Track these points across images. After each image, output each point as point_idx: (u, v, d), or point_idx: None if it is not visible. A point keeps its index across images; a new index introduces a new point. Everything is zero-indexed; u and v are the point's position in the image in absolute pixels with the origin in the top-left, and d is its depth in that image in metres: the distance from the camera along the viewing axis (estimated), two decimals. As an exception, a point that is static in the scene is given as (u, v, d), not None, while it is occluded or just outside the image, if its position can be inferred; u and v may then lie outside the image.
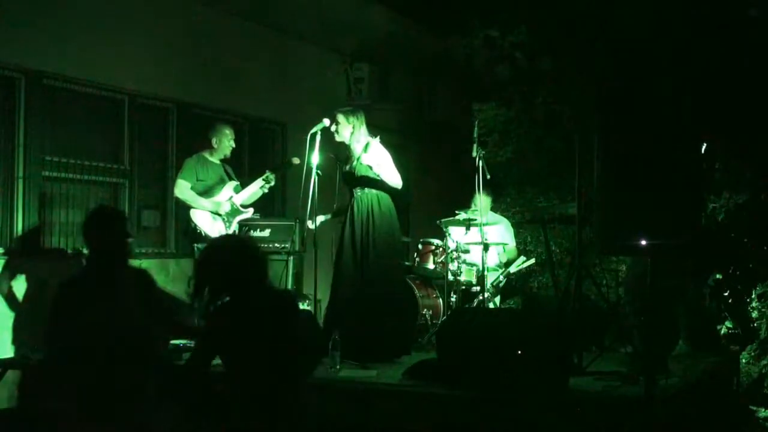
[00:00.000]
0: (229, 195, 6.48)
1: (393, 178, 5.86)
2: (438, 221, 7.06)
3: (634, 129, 4.51)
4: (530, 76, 8.62)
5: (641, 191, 4.44)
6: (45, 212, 6.32)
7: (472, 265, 6.93)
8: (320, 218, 6.14)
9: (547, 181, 8.87)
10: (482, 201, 6.71)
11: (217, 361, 3.48)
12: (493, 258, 7.22)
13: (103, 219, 3.97)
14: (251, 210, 6.60)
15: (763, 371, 7.25)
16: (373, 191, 5.88)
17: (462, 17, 8.60)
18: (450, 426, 4.47)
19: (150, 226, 7.25)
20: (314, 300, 6.68)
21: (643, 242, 4.47)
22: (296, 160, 6.50)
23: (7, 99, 6.14)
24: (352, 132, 5.89)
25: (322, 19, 8.20)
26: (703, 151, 5.50)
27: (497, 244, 7.18)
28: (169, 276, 7.05)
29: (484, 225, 6.72)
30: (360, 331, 5.57)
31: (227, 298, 3.51)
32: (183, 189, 6.38)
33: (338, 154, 6.11)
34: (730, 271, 7.48)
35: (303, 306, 6.43)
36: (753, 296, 7.57)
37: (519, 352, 4.48)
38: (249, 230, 6.42)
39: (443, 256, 6.89)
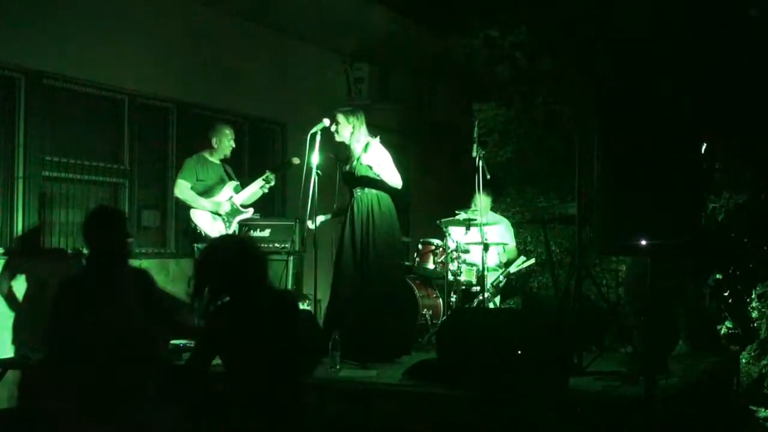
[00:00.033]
0: (229, 195, 6.48)
1: (393, 178, 5.86)
2: (438, 221, 7.06)
3: (634, 129, 4.51)
4: (530, 76, 8.62)
5: (641, 191, 4.44)
6: (45, 212, 6.32)
7: (472, 265, 6.93)
8: (320, 218, 6.14)
9: (547, 181, 8.87)
10: (482, 201, 6.71)
11: (217, 361, 3.48)
12: (493, 258, 7.22)
13: (103, 219, 3.97)
14: (251, 210, 6.60)
15: (763, 371, 7.25)
16: (373, 191, 5.88)
17: (462, 17, 8.60)
18: (450, 426, 4.47)
19: (150, 226, 7.25)
20: (314, 300, 6.68)
21: (643, 242, 4.47)
22: (296, 160, 6.50)
23: (7, 99, 6.14)
24: (352, 132, 5.89)
25: (322, 19, 8.20)
26: (703, 151, 5.50)
27: (497, 244, 7.18)
28: (169, 276, 7.05)
29: (484, 225, 6.72)
30: (360, 331, 5.57)
31: (227, 299, 3.51)
32: (183, 189, 6.38)
33: (338, 154, 6.11)
34: (730, 271, 7.48)
35: (303, 306, 6.44)
36: (753, 296, 7.57)
37: (519, 352, 4.48)
38: (249, 230, 6.42)
39: (443, 256, 6.89)
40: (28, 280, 5.98)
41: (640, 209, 4.44)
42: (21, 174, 6.15)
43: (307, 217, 6.04)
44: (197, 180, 6.41)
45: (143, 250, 6.99)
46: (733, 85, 6.90)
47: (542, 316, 5.75)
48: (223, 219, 6.41)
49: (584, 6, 7.67)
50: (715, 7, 7.01)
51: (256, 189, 6.56)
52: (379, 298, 5.73)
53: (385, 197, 5.92)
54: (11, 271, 5.97)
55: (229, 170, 6.65)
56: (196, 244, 6.31)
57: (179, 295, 6.70)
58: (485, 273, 6.65)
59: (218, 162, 6.56)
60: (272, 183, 6.60)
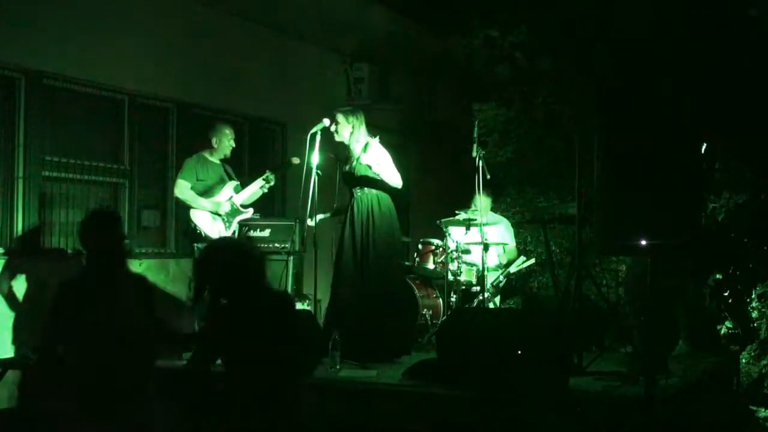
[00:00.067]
0: (229, 195, 6.48)
1: (393, 177, 5.86)
2: (438, 221, 7.06)
3: (634, 129, 4.51)
4: (530, 76, 8.62)
5: (641, 191, 4.44)
6: (45, 212, 6.31)
7: (472, 265, 6.93)
8: (319, 216, 6.14)
9: (547, 181, 8.87)
10: (482, 201, 6.71)
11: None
12: (493, 258, 7.22)
13: (99, 221, 3.97)
14: (251, 210, 6.59)
15: (763, 371, 7.25)
16: (373, 191, 5.88)
17: (462, 17, 8.61)
18: (450, 426, 4.47)
19: (150, 226, 7.25)
20: (314, 300, 6.68)
21: (643, 242, 4.47)
22: (296, 160, 6.49)
23: (7, 99, 6.14)
24: (352, 132, 5.89)
25: (322, 19, 8.20)
26: (703, 151, 5.50)
27: (497, 244, 7.18)
28: (169, 276, 7.05)
29: (484, 225, 6.72)
30: (360, 331, 5.57)
31: (227, 299, 3.51)
32: (183, 189, 6.38)
33: (338, 154, 6.12)
34: (730, 271, 7.48)
35: (303, 306, 6.44)
36: (753, 296, 7.57)
37: (519, 352, 4.48)
38: (249, 230, 6.41)
39: (443, 256, 6.89)
40: (28, 280, 5.98)
41: (640, 209, 4.44)
42: (21, 174, 6.14)
43: (307, 216, 6.03)
44: (197, 180, 6.41)
45: (143, 250, 6.99)
46: (733, 86, 6.90)
47: (542, 316, 5.76)
48: (223, 219, 6.41)
49: (584, 6, 7.67)
50: (715, 7, 7.02)
51: (256, 189, 6.55)
52: (379, 298, 5.73)
53: (385, 197, 5.92)
54: (11, 271, 5.96)
55: (229, 170, 6.65)
56: (196, 244, 6.31)
57: (179, 296, 6.71)
58: (485, 273, 6.65)
59: (218, 162, 6.56)
60: (272, 183, 6.60)
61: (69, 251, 6.31)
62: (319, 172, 5.91)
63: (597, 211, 4.74)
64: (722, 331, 7.48)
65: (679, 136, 4.51)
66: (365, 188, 5.88)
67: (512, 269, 7.26)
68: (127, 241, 4.00)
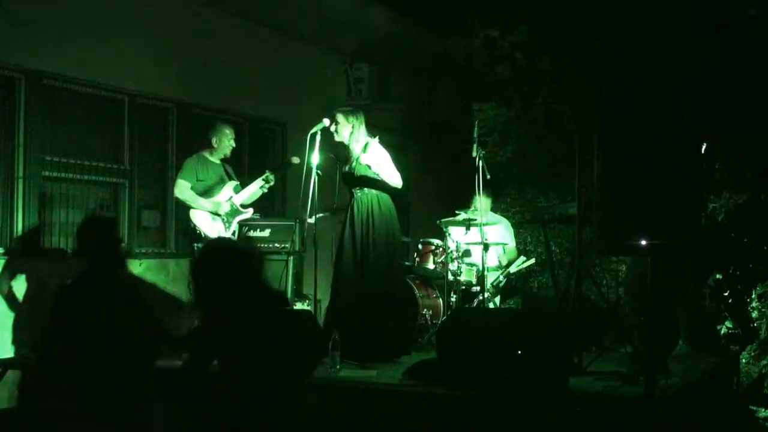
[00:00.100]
0: (228, 195, 6.48)
1: (393, 177, 5.86)
2: (438, 221, 7.06)
3: (634, 129, 4.51)
4: (530, 76, 8.62)
5: (641, 191, 4.44)
6: (45, 212, 6.31)
7: (472, 265, 6.93)
8: (319, 214, 6.14)
9: (547, 181, 8.87)
10: (482, 201, 6.70)
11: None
12: (493, 258, 7.22)
13: (96, 224, 3.98)
14: (251, 210, 6.59)
15: (763, 371, 7.25)
16: (373, 191, 5.88)
17: (462, 17, 8.61)
18: (450, 426, 4.47)
19: (150, 226, 7.24)
20: (314, 300, 6.68)
21: (643, 242, 4.48)
22: (296, 160, 6.49)
23: (7, 99, 6.13)
24: (352, 132, 5.89)
25: (322, 19, 8.20)
26: (703, 151, 5.50)
27: (497, 244, 7.18)
28: (169, 276, 7.05)
29: (484, 225, 6.72)
30: (360, 331, 5.57)
31: (226, 299, 3.51)
32: (183, 189, 6.37)
33: (338, 154, 6.12)
34: (730, 271, 7.48)
35: (303, 306, 6.44)
36: (753, 296, 7.57)
37: (519, 352, 4.48)
38: (249, 230, 6.41)
39: (443, 256, 6.89)
40: (28, 280, 5.98)
41: (640, 209, 4.44)
42: (21, 174, 6.14)
43: (307, 215, 6.03)
44: (197, 180, 6.40)
45: (143, 250, 6.99)
46: (733, 86, 6.90)
47: (542, 316, 5.75)
48: (223, 219, 6.40)
49: (584, 6, 7.67)
50: (715, 7, 7.02)
51: (255, 189, 6.55)
52: (379, 298, 5.73)
53: (385, 197, 5.92)
54: (11, 271, 5.96)
55: (229, 170, 6.65)
56: (195, 244, 6.30)
57: (179, 296, 6.71)
58: (485, 273, 6.65)
59: (218, 162, 6.56)
60: (272, 183, 6.60)
61: (69, 251, 6.31)
62: (319, 172, 5.91)
63: (597, 211, 4.74)
64: (722, 331, 7.48)
65: (679, 136, 4.51)
66: (365, 188, 5.88)
67: (512, 269, 7.26)
68: (123, 244, 4.00)
